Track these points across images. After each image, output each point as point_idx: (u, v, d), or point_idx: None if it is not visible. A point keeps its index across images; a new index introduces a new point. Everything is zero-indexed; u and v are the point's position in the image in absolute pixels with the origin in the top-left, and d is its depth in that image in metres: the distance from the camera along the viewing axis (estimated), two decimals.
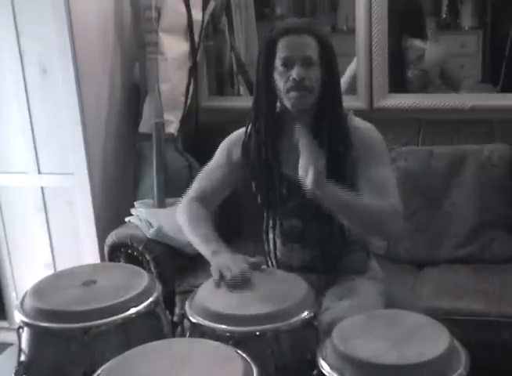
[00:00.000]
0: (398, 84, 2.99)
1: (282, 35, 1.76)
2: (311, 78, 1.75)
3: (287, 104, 1.78)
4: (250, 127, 1.89)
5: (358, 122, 1.85)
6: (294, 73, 1.73)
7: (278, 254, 1.92)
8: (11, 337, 2.02)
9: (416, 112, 2.83)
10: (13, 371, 1.60)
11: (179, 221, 1.92)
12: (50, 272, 2.68)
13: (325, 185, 1.61)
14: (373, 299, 1.80)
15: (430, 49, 3.06)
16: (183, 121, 2.87)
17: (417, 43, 3.05)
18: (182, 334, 1.64)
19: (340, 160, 1.77)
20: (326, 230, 1.83)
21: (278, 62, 1.76)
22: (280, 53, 1.76)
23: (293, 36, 1.76)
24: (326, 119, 1.79)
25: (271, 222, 1.91)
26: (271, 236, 1.93)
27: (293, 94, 1.75)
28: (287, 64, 1.75)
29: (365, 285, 1.85)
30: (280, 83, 1.77)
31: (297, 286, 1.66)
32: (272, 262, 1.93)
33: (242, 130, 1.94)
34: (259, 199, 1.91)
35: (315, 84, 1.76)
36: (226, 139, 1.97)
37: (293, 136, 1.75)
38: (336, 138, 1.78)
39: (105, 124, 2.74)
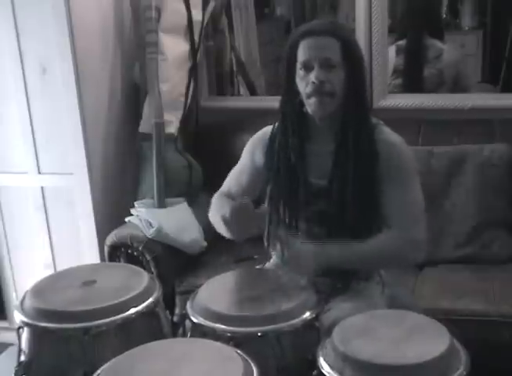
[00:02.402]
0: (414, 82, 3.00)
1: (302, 37, 1.71)
2: (333, 82, 1.68)
3: (309, 110, 1.73)
4: (275, 127, 1.86)
5: (388, 135, 1.77)
6: (313, 76, 1.68)
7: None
8: (11, 337, 2.02)
9: (416, 112, 2.83)
10: (13, 371, 1.60)
11: (212, 220, 1.87)
12: (50, 272, 2.68)
13: (311, 258, 1.64)
14: (375, 301, 1.79)
15: (448, 50, 3.06)
16: (183, 121, 2.86)
17: (436, 43, 3.05)
18: (184, 335, 1.64)
19: (365, 173, 1.72)
20: (347, 238, 1.74)
21: (298, 66, 1.72)
22: (300, 57, 1.71)
23: (314, 38, 1.70)
24: (352, 127, 1.72)
25: (288, 224, 1.85)
26: (283, 235, 1.87)
27: (313, 100, 1.70)
28: (307, 67, 1.70)
29: (368, 287, 1.84)
30: (301, 88, 1.72)
31: (298, 287, 1.66)
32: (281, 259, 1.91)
33: (265, 130, 1.90)
34: (280, 203, 1.84)
35: (338, 89, 1.70)
36: (251, 139, 1.94)
37: (319, 142, 1.75)
38: (361, 149, 1.71)
39: (105, 124, 2.74)
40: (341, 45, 1.69)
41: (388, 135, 1.77)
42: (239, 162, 1.95)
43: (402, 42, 2.94)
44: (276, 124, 1.86)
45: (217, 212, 1.82)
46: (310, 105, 1.72)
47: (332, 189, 1.75)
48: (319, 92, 1.68)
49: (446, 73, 3.03)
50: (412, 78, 3.00)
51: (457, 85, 3.06)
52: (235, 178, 1.94)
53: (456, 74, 3.06)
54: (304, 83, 1.71)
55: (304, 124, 1.79)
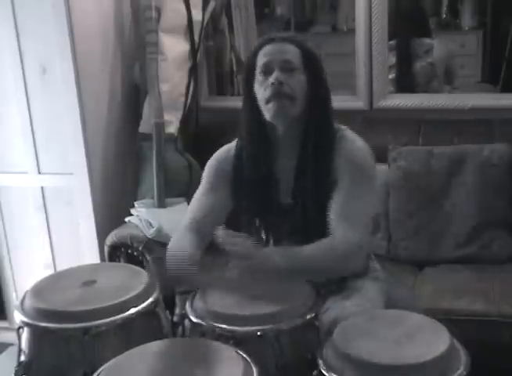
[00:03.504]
0: (407, 77, 3.01)
1: (262, 45, 1.68)
2: (293, 85, 1.63)
3: (267, 116, 1.65)
4: (239, 143, 1.78)
5: (349, 141, 1.70)
6: (272, 78, 1.62)
7: None
8: (11, 337, 2.01)
9: (416, 112, 2.83)
10: (13, 371, 1.60)
11: (171, 254, 1.72)
12: (50, 272, 2.68)
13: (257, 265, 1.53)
14: (374, 299, 1.79)
15: (437, 45, 3.08)
16: (183, 121, 2.87)
17: (425, 40, 3.08)
18: (183, 334, 1.64)
19: (321, 179, 1.67)
20: None
21: (258, 70, 1.67)
22: (259, 61, 1.66)
23: (274, 44, 1.67)
24: (313, 139, 1.67)
25: (270, 241, 1.81)
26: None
27: (271, 104, 1.63)
28: (266, 72, 1.64)
29: (367, 285, 1.84)
30: (259, 94, 1.66)
31: (298, 286, 1.65)
32: None
33: (228, 146, 1.82)
34: (253, 220, 1.80)
35: (299, 93, 1.64)
36: (212, 158, 1.83)
37: (283, 156, 1.69)
38: (321, 165, 1.66)
39: (105, 124, 2.74)
40: (301, 52, 1.66)
41: (351, 142, 1.70)
42: (200, 186, 1.82)
43: (391, 42, 2.95)
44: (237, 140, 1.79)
45: (188, 248, 1.69)
46: (269, 110, 1.64)
47: (296, 206, 1.71)
48: (279, 95, 1.62)
49: (438, 66, 3.05)
50: (404, 74, 3.02)
51: (448, 78, 3.08)
52: (200, 205, 1.80)
53: (447, 68, 3.09)
54: (263, 88, 1.65)
55: (265, 138, 1.72)
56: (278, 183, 1.75)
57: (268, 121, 1.68)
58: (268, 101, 1.64)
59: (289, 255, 1.58)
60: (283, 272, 1.56)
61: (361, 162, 1.68)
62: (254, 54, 1.69)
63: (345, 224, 1.61)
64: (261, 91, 1.66)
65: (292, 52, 1.65)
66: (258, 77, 1.67)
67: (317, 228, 1.68)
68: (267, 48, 1.67)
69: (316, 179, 1.67)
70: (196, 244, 1.70)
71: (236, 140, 1.81)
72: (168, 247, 1.75)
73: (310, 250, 1.59)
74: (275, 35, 1.72)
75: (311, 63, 1.67)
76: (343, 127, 1.75)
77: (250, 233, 1.75)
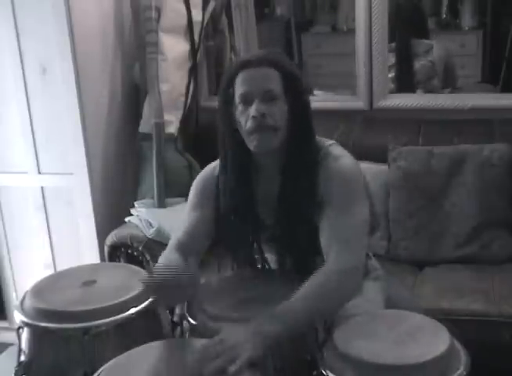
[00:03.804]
0: (407, 76, 3.01)
1: (239, 69, 1.59)
2: (275, 115, 1.56)
3: (251, 147, 1.60)
4: (221, 165, 1.73)
5: (333, 159, 1.63)
6: (253, 110, 1.55)
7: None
8: (11, 337, 2.01)
9: (416, 112, 2.83)
10: (13, 371, 1.60)
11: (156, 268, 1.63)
12: (50, 272, 2.68)
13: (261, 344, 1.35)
14: (374, 299, 1.79)
15: (436, 45, 3.11)
16: (183, 121, 2.87)
17: (424, 41, 3.11)
18: (182, 335, 1.64)
19: (304, 198, 1.61)
20: (312, 264, 1.65)
21: (237, 99, 1.60)
22: (238, 89, 1.59)
23: (252, 69, 1.58)
24: (295, 163, 1.62)
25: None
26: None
27: (254, 136, 1.57)
28: (246, 101, 1.57)
29: (367, 285, 1.84)
30: (242, 123, 1.59)
31: (296, 287, 1.65)
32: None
33: (214, 164, 1.79)
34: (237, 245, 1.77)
35: (281, 122, 1.58)
36: (198, 176, 1.81)
37: (265, 182, 1.66)
38: (303, 177, 1.61)
39: (105, 124, 2.75)
40: (282, 76, 1.58)
41: (334, 159, 1.63)
42: (187, 205, 1.79)
43: (392, 44, 2.96)
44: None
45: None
46: (252, 142, 1.59)
47: (280, 231, 1.68)
48: (261, 127, 1.56)
49: (438, 64, 3.05)
50: (404, 72, 3.03)
51: (448, 78, 3.09)
52: (186, 224, 1.76)
53: (446, 68, 3.09)
54: (244, 118, 1.58)
55: (246, 163, 1.68)
56: (260, 205, 1.70)
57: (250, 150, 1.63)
58: (250, 133, 1.58)
59: (283, 318, 1.42)
60: (286, 334, 1.42)
61: (347, 178, 1.62)
62: (232, 78, 1.61)
63: (337, 247, 1.55)
64: (243, 121, 1.60)
65: (272, 79, 1.57)
66: (238, 105, 1.60)
67: (303, 247, 1.66)
68: (245, 75, 1.58)
69: (299, 200, 1.62)
70: (181, 263, 1.63)
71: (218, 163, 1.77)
72: (155, 265, 1.67)
73: (303, 297, 1.48)
74: (252, 57, 1.62)
75: (292, 87, 1.60)
76: (329, 142, 1.69)
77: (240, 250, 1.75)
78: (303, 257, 1.69)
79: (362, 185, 1.67)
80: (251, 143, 1.60)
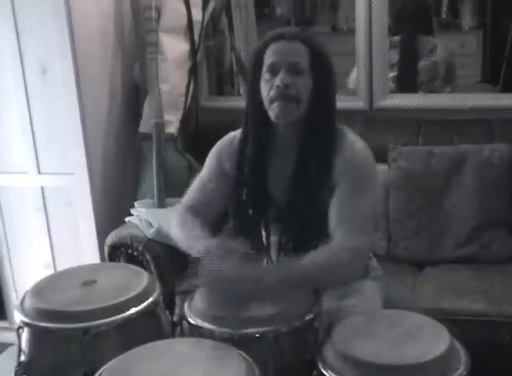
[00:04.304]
0: (409, 75, 3.01)
1: (271, 42, 1.66)
2: (298, 87, 1.62)
3: (271, 116, 1.65)
4: (241, 135, 1.79)
5: (349, 142, 1.69)
6: (278, 79, 1.61)
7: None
8: (11, 337, 2.01)
9: (416, 112, 2.83)
10: (13, 371, 1.59)
11: (174, 235, 1.78)
12: (50, 272, 2.68)
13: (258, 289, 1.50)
14: (373, 299, 1.79)
15: (441, 44, 3.11)
16: (183, 121, 2.87)
17: (429, 38, 3.10)
18: (181, 336, 1.64)
19: (319, 177, 1.66)
20: (318, 244, 1.67)
21: (264, 69, 1.65)
22: (267, 60, 1.65)
23: (283, 42, 1.65)
24: (315, 138, 1.67)
25: (263, 234, 1.81)
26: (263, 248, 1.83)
27: (276, 104, 1.62)
28: (273, 71, 1.63)
29: (366, 285, 1.84)
30: (265, 92, 1.65)
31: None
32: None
33: (232, 135, 1.83)
34: (248, 213, 1.78)
35: (304, 95, 1.63)
36: (216, 145, 1.84)
37: (283, 152, 1.70)
38: (320, 162, 1.66)
39: (105, 124, 2.75)
40: (310, 51, 1.64)
41: (351, 143, 1.69)
42: (202, 171, 1.85)
43: (395, 38, 2.95)
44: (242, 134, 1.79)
45: (189, 232, 1.73)
46: (273, 110, 1.64)
47: (290, 203, 1.71)
48: (283, 97, 1.61)
49: (441, 65, 3.05)
50: (407, 72, 3.02)
51: (448, 77, 3.08)
52: (199, 189, 1.83)
53: (447, 67, 3.09)
54: (269, 87, 1.64)
55: (267, 133, 1.72)
56: (271, 177, 1.75)
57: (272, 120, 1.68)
58: (272, 101, 1.64)
59: (284, 273, 1.55)
60: (277, 290, 1.53)
61: (361, 163, 1.67)
62: (262, 50, 1.67)
63: (344, 227, 1.59)
64: (267, 90, 1.65)
65: (300, 53, 1.63)
66: (265, 74, 1.66)
67: (310, 226, 1.68)
68: (275, 46, 1.65)
69: (313, 177, 1.67)
70: (199, 226, 1.73)
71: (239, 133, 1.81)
72: (173, 231, 1.78)
73: (307, 263, 1.56)
74: (285, 31, 1.68)
75: (320, 64, 1.65)
76: (344, 128, 1.74)
77: (244, 226, 1.77)
78: (305, 239, 1.70)
79: (374, 171, 1.72)
80: (272, 112, 1.64)
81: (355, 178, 1.64)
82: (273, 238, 1.80)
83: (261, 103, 1.68)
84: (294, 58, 1.63)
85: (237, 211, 1.80)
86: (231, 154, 1.79)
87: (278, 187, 1.74)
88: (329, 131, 1.69)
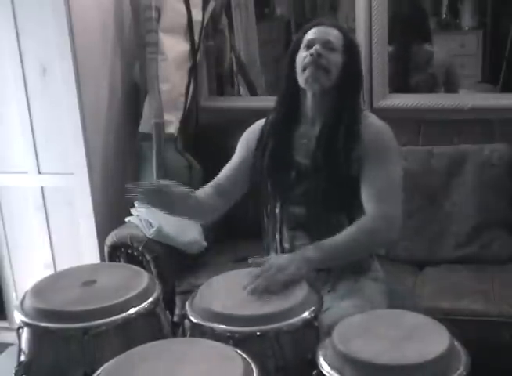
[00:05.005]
0: (404, 87, 3.00)
1: (312, 26, 1.85)
2: (330, 60, 1.78)
3: (301, 82, 1.80)
4: (269, 116, 1.94)
5: (372, 119, 1.86)
6: (313, 48, 1.78)
7: (283, 241, 1.90)
8: (11, 337, 2.02)
9: (416, 112, 2.83)
10: (13, 371, 1.60)
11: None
12: (50, 272, 2.68)
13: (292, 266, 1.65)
14: (374, 299, 1.80)
15: (437, 51, 3.08)
16: (183, 121, 2.87)
17: (425, 47, 3.07)
18: (183, 334, 1.64)
19: (347, 154, 1.78)
20: (332, 220, 1.82)
21: (302, 46, 1.83)
22: (305, 40, 1.83)
23: (320, 27, 1.84)
24: (341, 109, 1.81)
25: (277, 209, 1.90)
26: (277, 223, 1.91)
27: (307, 70, 1.77)
28: (309, 46, 1.80)
29: (367, 285, 1.85)
30: (299, 63, 1.81)
31: (298, 286, 1.66)
32: (276, 250, 1.92)
33: (259, 122, 1.98)
34: (268, 183, 1.90)
35: (334, 68, 1.79)
36: (245, 132, 2.01)
37: (309, 122, 1.82)
38: (346, 132, 1.79)
39: (105, 124, 2.75)
40: (344, 39, 1.83)
41: (374, 120, 1.86)
42: (233, 156, 2.01)
43: (389, 48, 2.93)
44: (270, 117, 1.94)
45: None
46: (304, 76, 1.79)
47: (315, 171, 1.81)
48: (315, 64, 1.77)
49: (438, 74, 3.04)
50: (401, 84, 3.00)
51: (451, 83, 3.07)
52: (228, 169, 1.99)
53: (449, 74, 3.07)
54: (303, 58, 1.80)
55: (295, 101, 1.87)
56: (299, 145, 1.86)
57: (301, 87, 1.82)
58: (304, 68, 1.79)
59: (326, 248, 1.71)
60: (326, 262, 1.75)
61: (385, 138, 1.82)
62: (301, 36, 1.85)
63: (378, 197, 1.74)
64: (301, 60, 1.81)
65: (335, 35, 1.82)
66: (301, 51, 1.82)
67: (329, 194, 1.78)
68: (313, 30, 1.84)
69: (337, 146, 1.78)
70: (209, 194, 1.94)
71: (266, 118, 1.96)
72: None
73: (348, 235, 1.72)
74: (323, 20, 1.89)
75: (351, 49, 1.84)
76: (366, 110, 1.92)
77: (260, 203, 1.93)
78: (327, 212, 1.81)
79: (397, 147, 1.87)
80: (302, 78, 1.80)
81: (382, 151, 1.79)
82: (291, 209, 1.87)
83: (295, 76, 1.82)
84: (329, 37, 1.81)
85: (256, 181, 1.92)
86: (256, 132, 1.95)
87: (301, 154, 1.84)
88: (354, 107, 1.84)
